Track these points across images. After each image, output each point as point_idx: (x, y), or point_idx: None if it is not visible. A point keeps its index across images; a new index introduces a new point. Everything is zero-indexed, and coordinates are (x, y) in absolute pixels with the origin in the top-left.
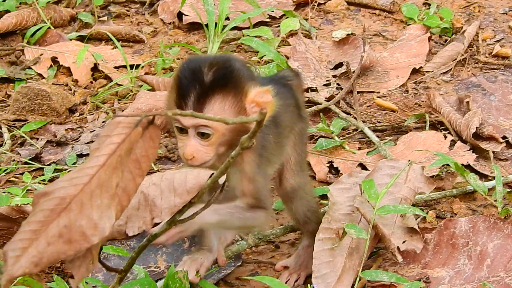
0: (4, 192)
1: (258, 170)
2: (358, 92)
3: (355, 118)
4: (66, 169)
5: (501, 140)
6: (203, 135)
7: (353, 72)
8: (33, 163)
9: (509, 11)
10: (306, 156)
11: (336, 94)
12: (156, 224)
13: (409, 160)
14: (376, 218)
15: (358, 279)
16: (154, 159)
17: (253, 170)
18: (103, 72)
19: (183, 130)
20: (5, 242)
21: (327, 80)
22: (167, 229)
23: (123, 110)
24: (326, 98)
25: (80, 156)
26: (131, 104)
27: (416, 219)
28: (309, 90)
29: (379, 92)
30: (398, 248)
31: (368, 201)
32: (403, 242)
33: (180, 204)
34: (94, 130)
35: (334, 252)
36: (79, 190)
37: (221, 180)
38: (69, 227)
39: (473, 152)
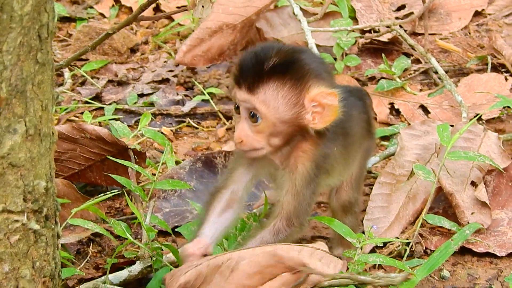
0: None
1: (308, 184)
2: (419, 34)
3: (418, 59)
4: (126, 109)
5: None
6: (253, 117)
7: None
8: (94, 102)
9: None
10: (365, 172)
11: (399, 36)
12: None
13: (483, 126)
14: (449, 184)
15: (419, 221)
16: None
17: (304, 183)
18: (165, 12)
19: (238, 109)
20: (71, 167)
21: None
22: None
23: None
24: (388, 39)
25: (141, 95)
26: (201, 23)
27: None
28: (372, 31)
29: (441, 34)
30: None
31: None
32: (472, 213)
33: None
34: (156, 70)
35: (391, 198)
36: None
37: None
38: None
39: None
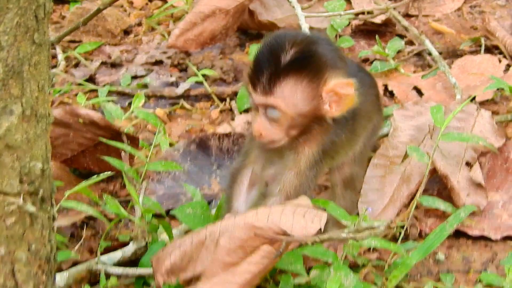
0: None
1: (312, 166)
2: (412, 16)
3: (412, 41)
4: (120, 91)
5: None
6: (271, 113)
7: None
8: (87, 84)
9: None
10: (371, 148)
11: (393, 17)
12: None
13: (476, 105)
14: (443, 166)
15: (414, 203)
16: None
17: (308, 164)
18: None
19: (255, 103)
20: (63, 153)
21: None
22: None
23: None
24: (382, 20)
25: (134, 77)
26: (193, 8)
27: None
28: (365, 13)
29: (434, 16)
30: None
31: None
32: (467, 195)
33: None
34: (149, 52)
35: (385, 180)
36: None
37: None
38: None
39: None
